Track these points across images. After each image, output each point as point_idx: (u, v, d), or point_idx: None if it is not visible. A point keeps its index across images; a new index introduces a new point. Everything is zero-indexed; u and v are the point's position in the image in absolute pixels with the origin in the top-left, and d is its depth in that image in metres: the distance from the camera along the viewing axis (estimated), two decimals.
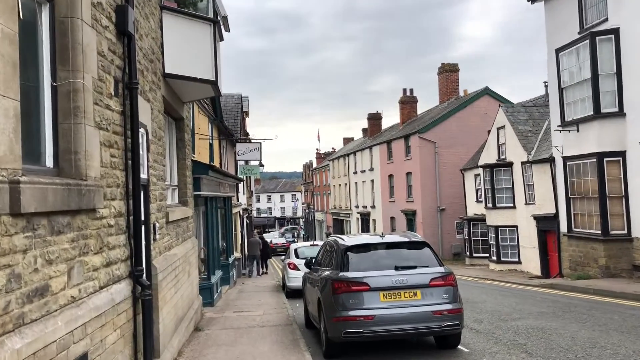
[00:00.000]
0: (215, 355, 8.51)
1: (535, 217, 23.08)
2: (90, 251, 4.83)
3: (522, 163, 24.16)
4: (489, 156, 27.43)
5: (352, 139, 68.95)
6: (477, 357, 8.20)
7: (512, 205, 25.45)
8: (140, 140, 7.15)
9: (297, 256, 17.64)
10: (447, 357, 8.28)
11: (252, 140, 16.51)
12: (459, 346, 8.76)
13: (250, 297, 16.18)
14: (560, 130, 19.08)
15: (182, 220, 10.37)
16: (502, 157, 26.26)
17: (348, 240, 9.00)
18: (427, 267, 8.44)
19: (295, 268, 17.21)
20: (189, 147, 11.91)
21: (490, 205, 26.51)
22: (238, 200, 26.06)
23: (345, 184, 53.09)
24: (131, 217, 5.99)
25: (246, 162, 24.22)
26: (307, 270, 11.19)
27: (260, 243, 27.23)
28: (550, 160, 21.29)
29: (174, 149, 10.92)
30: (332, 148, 78.61)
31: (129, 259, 5.91)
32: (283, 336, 9.84)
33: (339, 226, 55.87)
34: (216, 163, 17.01)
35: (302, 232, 79.89)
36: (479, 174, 29.44)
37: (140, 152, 7.02)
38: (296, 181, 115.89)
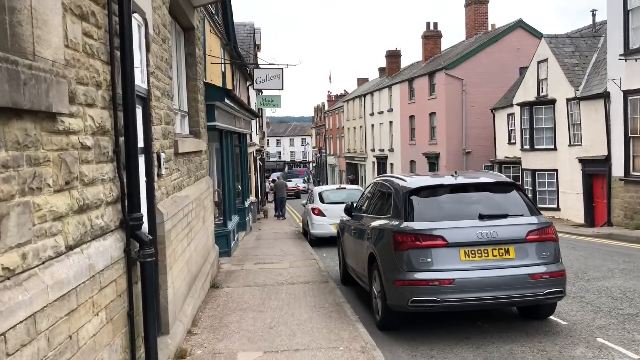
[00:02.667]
0: (241, 324, 6.63)
1: (581, 160, 20.87)
2: (46, 186, 2.79)
3: (568, 100, 21.72)
4: (526, 93, 24.95)
5: (366, 79, 65.90)
6: (585, 333, 6.26)
7: (552, 147, 23.18)
8: (137, 34, 5.00)
9: (322, 201, 15.68)
10: (544, 333, 6.34)
11: (273, 66, 14.31)
12: (552, 316, 6.84)
13: (270, 245, 14.34)
14: (625, 59, 16.59)
15: (195, 155, 8.31)
16: (542, 94, 23.79)
17: (411, 180, 6.91)
18: (521, 215, 6.39)
19: (320, 214, 15.30)
20: (201, 66, 9.71)
21: (527, 147, 24.25)
22: (252, 140, 23.98)
23: (361, 126, 50.68)
24: (122, 139, 3.92)
25: (258, 92, 21.82)
26: (347, 217, 9.21)
27: (286, 185, 25.91)
28: (605, 96, 18.88)
29: (182, 65, 8.74)
30: (344, 90, 75.63)
31: (119, 202, 3.88)
32: (321, 298, 7.94)
33: (353, 170, 53.88)
34: None
35: (311, 176, 77.76)
36: (512, 114, 27.02)
37: (136, 48, 4.89)
38: (306, 125, 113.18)
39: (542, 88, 23.97)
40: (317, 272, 10.13)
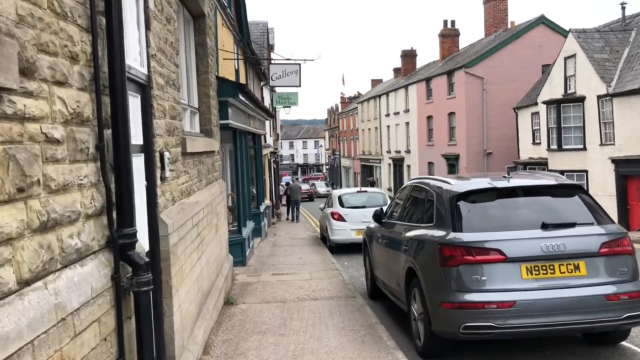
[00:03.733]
0: (260, 352, 5.69)
1: (614, 160, 19.73)
2: None
3: (599, 97, 20.57)
4: (552, 91, 23.81)
5: (380, 80, 64.86)
6: None
7: (581, 146, 22.01)
8: (134, 7, 4.11)
9: (341, 205, 14.72)
10: None
11: (289, 61, 13.38)
12: (625, 342, 5.82)
13: (287, 253, 13.41)
14: None
15: (206, 155, 7.41)
16: (570, 91, 22.64)
17: (456, 183, 5.91)
18: (591, 224, 5.38)
19: (341, 219, 14.34)
20: (213, 59, 8.82)
21: (554, 146, 23.10)
22: (266, 141, 23.10)
23: (376, 128, 49.64)
24: (109, 131, 3.01)
25: (272, 90, 20.73)
26: (375, 224, 8.25)
27: (300, 188, 25.15)
28: None
29: (192, 57, 7.85)
30: (358, 92, 74.64)
31: (105, 214, 2.96)
32: (350, 317, 6.98)
33: (368, 173, 52.84)
34: None
35: (325, 180, 76.50)
36: (537, 112, 25.87)
37: (132, 24, 4.00)
38: (319, 127, 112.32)
39: (569, 85, 22.82)
40: (342, 285, 9.18)
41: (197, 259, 5.99)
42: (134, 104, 4.15)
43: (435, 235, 5.55)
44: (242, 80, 16.48)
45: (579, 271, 5.07)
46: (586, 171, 21.93)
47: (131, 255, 3.00)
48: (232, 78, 14.40)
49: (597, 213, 5.51)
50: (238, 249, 11.16)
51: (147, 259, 3.08)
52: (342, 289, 8.84)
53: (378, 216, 7.97)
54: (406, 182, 7.78)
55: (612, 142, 19.97)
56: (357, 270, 11.65)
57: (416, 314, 5.91)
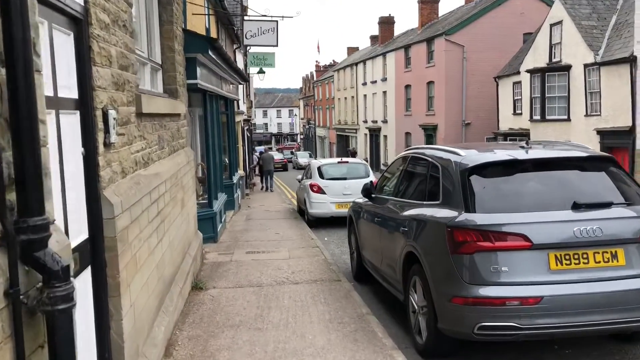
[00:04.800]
0: (233, 354, 4.77)
1: (600, 132, 19.17)
2: None
3: (586, 66, 19.86)
4: (536, 59, 23.04)
5: (357, 48, 63.42)
6: None
7: (565, 117, 21.39)
8: None
9: (321, 176, 13.76)
10: None
11: (266, 18, 12.14)
12: None
13: (263, 228, 12.46)
14: None
15: (170, 119, 6.34)
16: (555, 60, 21.90)
17: (468, 154, 4.98)
18: (629, 204, 4.54)
19: (320, 191, 13.41)
20: (179, 8, 7.64)
21: (537, 117, 22.45)
22: (239, 108, 21.87)
23: (352, 97, 48.54)
24: (2, 70, 1.97)
25: (246, 48, 19.21)
26: (364, 199, 7.35)
27: (273, 158, 24.37)
28: (631, 61, 17.13)
29: (154, 4, 6.69)
30: (333, 60, 73.09)
31: None
32: (337, 306, 6.09)
33: (344, 143, 51.95)
34: None
35: (300, 149, 74.92)
36: (519, 82, 25.16)
37: None
38: (293, 96, 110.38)
39: (554, 53, 22.08)
40: (324, 266, 8.29)
41: (158, 241, 4.99)
42: (64, 43, 3.08)
43: (444, 216, 4.65)
44: None
45: (617, 260, 4.25)
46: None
47: (41, 258, 2.00)
48: None
49: (634, 190, 4.67)
50: (209, 224, 10.16)
51: (64, 264, 2.07)
52: (325, 270, 7.96)
53: (367, 190, 7.04)
54: (401, 153, 6.83)
55: (598, 113, 19.37)
56: (338, 246, 10.80)
57: (416, 307, 5.05)
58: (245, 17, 14.90)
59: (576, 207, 4.34)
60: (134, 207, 4.04)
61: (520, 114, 25.18)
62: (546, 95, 21.86)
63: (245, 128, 28.01)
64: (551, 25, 22.13)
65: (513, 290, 4.16)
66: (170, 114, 6.27)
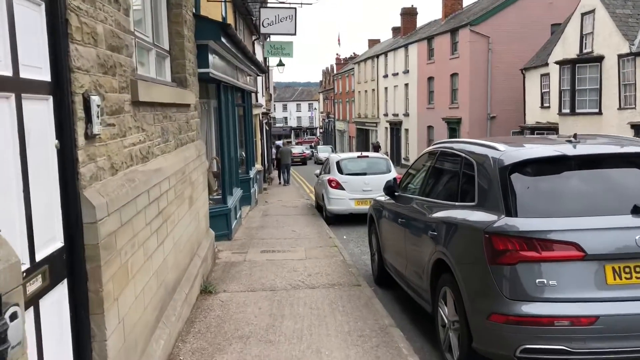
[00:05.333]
0: None
1: (634, 125, 18.26)
2: None
3: (620, 56, 18.92)
4: (566, 50, 22.10)
5: (378, 41, 62.49)
6: None
7: (597, 110, 20.46)
8: None
9: (340, 171, 13.19)
10: None
11: (283, 5, 11.61)
12: None
13: (279, 224, 11.96)
14: None
15: (177, 109, 5.84)
16: (586, 51, 20.95)
17: (507, 149, 4.35)
18: None
19: (339, 186, 12.86)
20: None
21: (566, 110, 21.53)
22: (258, 101, 21.39)
23: (373, 90, 47.75)
24: None
25: (264, 38, 18.40)
26: (386, 197, 6.78)
27: (290, 151, 24.25)
28: None
29: None
30: (354, 53, 72.24)
31: None
32: (357, 316, 5.54)
33: (364, 137, 51.23)
34: None
35: (319, 143, 74.21)
36: (547, 74, 24.23)
37: None
38: (313, 89, 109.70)
39: (585, 44, 21.11)
40: (343, 267, 7.75)
41: (158, 245, 4.49)
42: (32, 14, 2.57)
43: (480, 220, 4.06)
44: None
45: None
46: None
47: None
48: None
49: None
50: (222, 221, 9.69)
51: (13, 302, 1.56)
52: (344, 273, 7.42)
53: (390, 188, 6.47)
54: (428, 147, 6.23)
55: (633, 106, 18.44)
56: (358, 246, 10.25)
57: (447, 321, 4.48)
58: (263, 4, 14.35)
59: (636, 211, 3.72)
60: (126, 208, 3.53)
61: (548, 107, 24.26)
62: (576, 87, 20.94)
63: (264, 121, 27.57)
64: (582, 15, 21.16)
65: (563, 308, 3.57)
66: (176, 104, 5.76)
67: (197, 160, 6.88)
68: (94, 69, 3.17)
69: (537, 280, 3.64)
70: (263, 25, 12.21)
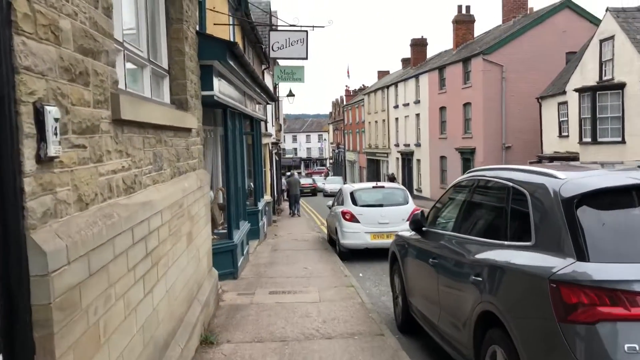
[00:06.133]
0: None
1: None
2: None
3: None
4: (585, 77, 21.43)
5: (387, 72, 62.40)
6: None
7: (619, 139, 19.65)
8: None
9: (354, 202, 12.40)
10: None
11: (294, 28, 10.98)
12: None
13: (290, 261, 11.13)
14: None
15: (174, 133, 5.12)
16: (606, 78, 20.26)
17: (569, 177, 3.56)
18: None
19: (353, 219, 12.05)
20: (193, 5, 6.51)
21: (588, 139, 20.73)
22: (267, 130, 20.79)
23: (384, 120, 47.25)
24: None
25: (274, 62, 17.60)
26: (411, 233, 5.98)
27: (299, 182, 25.31)
28: None
29: None
30: (363, 84, 72.12)
31: None
32: None
33: (374, 167, 50.53)
34: None
35: (329, 174, 73.27)
36: (565, 102, 23.54)
37: None
38: (323, 121, 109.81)
39: (605, 71, 20.45)
40: (362, 312, 6.89)
41: (146, 294, 3.71)
42: None
43: (541, 265, 3.25)
44: None
45: None
46: None
47: None
48: None
49: None
50: (228, 259, 8.89)
51: None
52: (364, 319, 6.56)
53: (418, 223, 5.67)
54: (460, 177, 5.44)
55: None
56: (375, 284, 9.39)
57: None
58: (272, 28, 13.84)
59: None
60: (98, 252, 2.77)
61: (567, 136, 23.49)
62: (597, 115, 20.18)
63: (274, 151, 26.96)
64: (601, 41, 20.54)
65: None
66: (174, 127, 5.05)
67: (198, 191, 6.14)
68: (54, 74, 2.45)
69: (626, 346, 2.80)
70: (273, 49, 11.63)
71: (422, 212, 5.79)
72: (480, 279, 3.93)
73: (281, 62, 19.21)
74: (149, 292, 3.82)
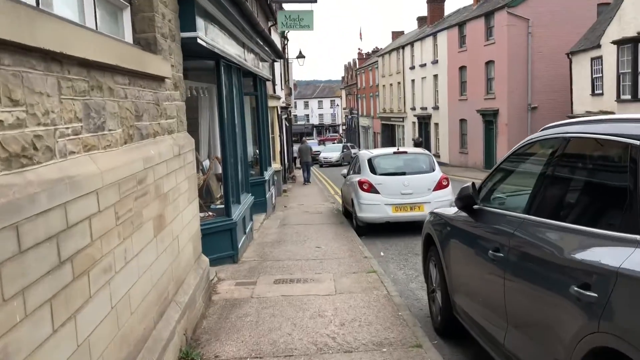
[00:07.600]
0: None
1: None
2: None
3: None
4: (623, 28, 19.44)
5: (402, 32, 59.83)
6: None
7: None
8: None
9: (372, 170, 10.89)
10: None
11: None
12: None
13: (300, 238, 9.74)
14: None
15: (129, 80, 3.64)
16: None
17: None
18: None
19: (372, 190, 10.57)
20: None
21: (627, 96, 18.90)
22: (275, 92, 19.22)
23: (399, 83, 45.23)
24: None
25: (278, 7, 15.68)
26: (455, 210, 4.51)
27: (310, 149, 24.93)
28: None
29: None
30: (376, 47, 69.57)
31: None
32: None
33: (389, 133, 48.76)
34: None
35: (342, 141, 71.09)
36: (599, 57, 21.58)
37: None
38: (335, 86, 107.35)
39: None
40: (389, 309, 5.48)
41: (56, 328, 2.31)
42: None
43: None
44: None
45: None
46: None
47: None
48: None
49: None
50: (226, 239, 7.51)
51: None
52: (392, 320, 5.16)
53: (468, 199, 4.17)
54: (533, 135, 3.89)
55: None
56: (400, 266, 7.99)
57: None
58: None
59: None
60: None
61: (601, 94, 21.61)
62: (639, 70, 18.29)
63: (284, 117, 25.41)
64: None
65: None
66: (128, 70, 3.57)
67: (175, 160, 4.70)
68: None
69: None
70: None
71: (473, 184, 4.28)
72: (590, 293, 2.46)
73: (287, 7, 17.27)
74: (65, 323, 2.41)
